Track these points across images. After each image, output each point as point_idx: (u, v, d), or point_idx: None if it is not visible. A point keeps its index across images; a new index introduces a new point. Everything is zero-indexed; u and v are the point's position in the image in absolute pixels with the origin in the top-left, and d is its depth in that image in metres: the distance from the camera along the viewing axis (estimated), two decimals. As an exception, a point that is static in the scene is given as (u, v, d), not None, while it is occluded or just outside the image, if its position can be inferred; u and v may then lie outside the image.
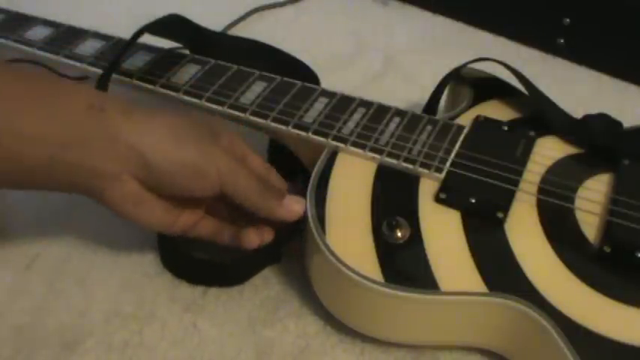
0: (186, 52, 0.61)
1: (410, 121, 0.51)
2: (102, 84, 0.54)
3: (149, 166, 0.41)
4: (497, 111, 0.54)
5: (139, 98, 0.58)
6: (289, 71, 0.58)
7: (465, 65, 0.55)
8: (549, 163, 0.49)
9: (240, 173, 0.44)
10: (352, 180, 0.47)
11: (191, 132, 0.43)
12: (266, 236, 0.47)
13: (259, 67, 0.57)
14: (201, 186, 0.42)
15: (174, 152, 0.41)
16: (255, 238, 0.46)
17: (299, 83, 0.55)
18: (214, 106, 0.53)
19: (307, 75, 0.61)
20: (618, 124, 0.51)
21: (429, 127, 0.51)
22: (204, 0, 0.65)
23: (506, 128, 0.51)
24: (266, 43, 0.63)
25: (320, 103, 0.53)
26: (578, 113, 0.52)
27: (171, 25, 0.59)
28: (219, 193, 0.43)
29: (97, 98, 0.42)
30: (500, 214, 0.45)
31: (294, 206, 0.46)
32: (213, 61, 0.58)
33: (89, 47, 0.61)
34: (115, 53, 0.58)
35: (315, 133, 0.50)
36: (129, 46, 0.56)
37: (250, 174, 0.44)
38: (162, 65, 0.58)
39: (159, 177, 0.41)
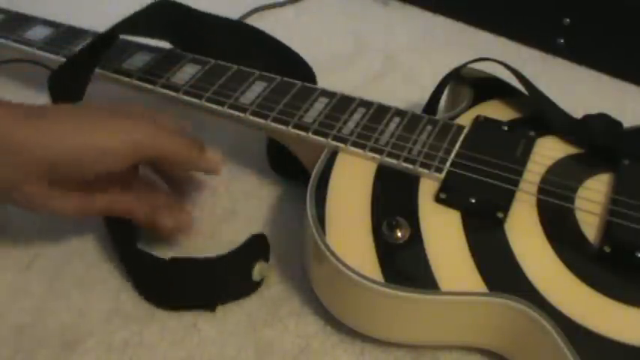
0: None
1: (410, 121, 0.51)
2: (58, 80, 0.54)
3: (55, 165, 0.42)
4: (497, 111, 0.54)
5: (139, 98, 0.58)
6: (283, 60, 0.58)
7: (465, 65, 0.55)
8: (549, 163, 0.49)
9: (160, 134, 0.46)
10: (352, 180, 0.47)
11: (94, 114, 0.44)
12: (183, 218, 0.49)
13: (252, 52, 0.57)
14: (112, 162, 0.43)
15: (76, 140, 0.42)
16: (169, 219, 0.48)
17: (299, 83, 0.55)
18: (214, 106, 0.53)
19: (300, 65, 0.60)
20: (618, 124, 0.51)
21: (429, 127, 0.51)
22: (204, 0, 0.65)
23: (506, 128, 0.51)
24: (260, 29, 0.63)
25: (320, 103, 0.53)
26: (578, 113, 0.52)
27: (156, 16, 0.59)
28: (134, 163, 0.45)
29: None
30: (500, 214, 0.45)
31: (213, 156, 0.49)
32: (213, 61, 0.58)
33: (89, 47, 0.60)
34: (119, 54, 0.58)
35: (315, 133, 0.50)
36: (109, 40, 0.56)
37: (170, 131, 0.47)
38: (162, 65, 0.58)
39: (66, 169, 0.42)
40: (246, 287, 0.48)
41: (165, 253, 0.50)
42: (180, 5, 0.60)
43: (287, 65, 0.58)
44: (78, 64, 0.54)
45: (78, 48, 0.61)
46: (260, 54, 0.60)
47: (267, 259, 0.49)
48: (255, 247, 0.48)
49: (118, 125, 0.44)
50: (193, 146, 0.48)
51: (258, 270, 0.47)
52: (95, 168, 0.43)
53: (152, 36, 0.61)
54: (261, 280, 0.48)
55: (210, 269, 0.47)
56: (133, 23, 0.57)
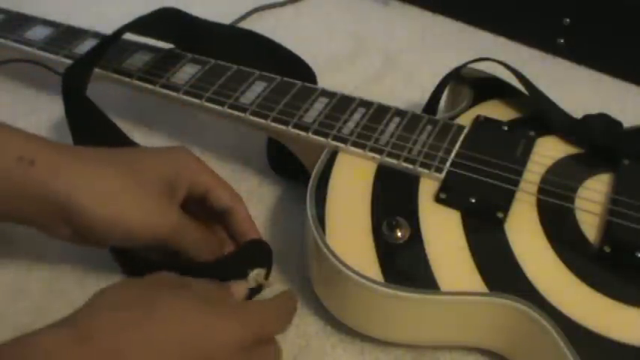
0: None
1: (410, 121, 0.51)
2: (72, 77, 0.53)
3: (76, 225, 0.41)
4: (497, 111, 0.54)
5: (139, 98, 0.58)
6: (284, 64, 0.58)
7: (465, 65, 0.55)
8: (549, 163, 0.49)
9: (184, 233, 0.44)
10: (352, 180, 0.47)
11: (134, 188, 0.42)
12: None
13: (253, 57, 0.57)
14: (134, 242, 0.43)
15: (103, 215, 0.41)
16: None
17: (299, 83, 0.55)
18: (214, 106, 0.53)
19: (302, 67, 0.61)
20: (618, 124, 0.51)
21: (429, 127, 0.51)
22: (204, 0, 0.65)
23: (506, 128, 0.51)
24: (261, 34, 0.63)
25: (320, 103, 0.53)
26: (578, 113, 0.52)
27: (162, 20, 0.59)
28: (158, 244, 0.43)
29: (28, 149, 0.41)
30: (500, 214, 0.45)
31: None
32: (213, 61, 0.58)
33: (89, 47, 0.60)
34: (119, 53, 0.58)
35: (315, 133, 0.50)
36: (112, 41, 0.56)
37: (195, 231, 0.45)
38: (162, 65, 0.58)
39: (87, 233, 0.42)
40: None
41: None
42: (185, 13, 0.60)
43: (289, 69, 0.58)
44: (87, 63, 0.54)
45: (78, 48, 0.61)
46: (262, 59, 0.60)
47: (264, 266, 0.47)
48: (252, 253, 0.47)
49: (147, 214, 0.42)
50: (212, 253, 0.46)
51: (253, 277, 0.46)
52: (115, 241, 0.44)
53: (156, 39, 0.62)
54: (259, 287, 0.46)
55: (204, 273, 0.46)
56: (139, 26, 0.57)
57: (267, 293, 0.48)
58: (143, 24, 0.57)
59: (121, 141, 0.52)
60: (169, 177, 0.44)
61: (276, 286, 0.49)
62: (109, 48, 0.56)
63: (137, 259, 0.48)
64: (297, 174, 0.54)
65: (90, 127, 0.52)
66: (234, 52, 0.60)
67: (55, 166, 0.41)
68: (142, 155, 0.46)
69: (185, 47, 0.60)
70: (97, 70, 0.57)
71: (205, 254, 0.46)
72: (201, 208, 0.48)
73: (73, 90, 0.52)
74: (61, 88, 0.52)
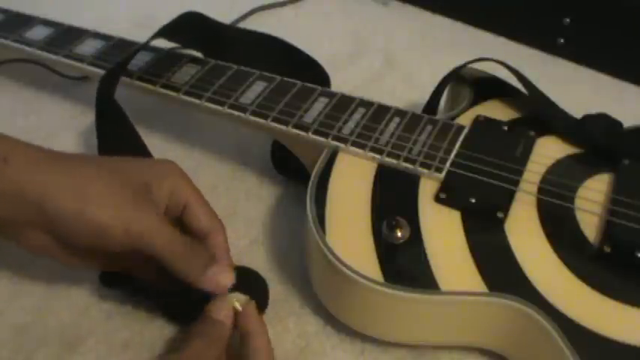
0: (187, 52, 0.61)
1: (410, 121, 0.51)
2: (107, 84, 0.53)
3: (51, 223, 0.40)
4: (497, 111, 0.54)
5: (139, 98, 0.58)
6: (301, 69, 0.58)
7: (465, 65, 0.55)
8: (549, 163, 0.49)
9: (159, 234, 0.41)
10: (352, 180, 0.47)
11: (108, 188, 0.41)
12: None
13: (272, 62, 0.58)
14: (106, 245, 0.40)
15: (77, 210, 0.39)
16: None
17: (299, 83, 0.55)
18: (214, 106, 0.53)
19: (319, 74, 0.61)
20: (618, 124, 0.51)
21: (429, 127, 0.51)
22: (204, 0, 0.65)
23: (506, 128, 0.51)
24: (281, 39, 0.63)
25: (320, 103, 0.53)
26: (578, 113, 0.52)
27: (186, 25, 0.59)
28: (133, 249, 0.41)
29: (2, 148, 0.40)
30: (500, 214, 0.45)
31: (219, 277, 0.42)
32: (213, 61, 0.58)
33: (89, 47, 0.61)
34: (120, 53, 0.58)
35: (315, 133, 0.50)
36: (143, 48, 0.56)
37: (173, 235, 0.41)
38: (162, 65, 0.58)
39: (62, 232, 0.40)
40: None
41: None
42: (207, 17, 0.61)
43: (306, 72, 0.58)
44: (118, 71, 0.55)
45: (78, 48, 0.61)
46: (282, 63, 0.61)
47: (252, 296, 0.43)
48: (242, 279, 0.44)
49: (121, 210, 0.40)
50: (194, 264, 0.42)
51: (230, 299, 0.42)
52: (90, 242, 0.41)
53: (182, 45, 0.63)
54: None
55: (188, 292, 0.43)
56: (166, 33, 0.58)
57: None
58: (170, 30, 0.58)
59: (140, 149, 0.52)
60: (149, 182, 0.43)
61: (276, 287, 0.49)
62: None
63: (127, 281, 0.46)
64: (302, 174, 0.53)
65: (116, 131, 0.53)
66: (256, 57, 0.61)
67: (30, 164, 0.40)
68: (125, 161, 0.45)
69: (209, 52, 0.61)
70: (97, 71, 0.57)
71: (186, 267, 0.41)
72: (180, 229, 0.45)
73: (106, 96, 0.53)
74: (96, 92, 0.53)
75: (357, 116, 0.52)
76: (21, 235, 0.41)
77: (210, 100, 0.54)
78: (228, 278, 0.43)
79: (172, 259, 0.41)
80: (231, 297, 0.42)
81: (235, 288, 0.43)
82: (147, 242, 0.40)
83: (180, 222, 0.45)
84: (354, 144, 0.49)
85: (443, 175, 0.47)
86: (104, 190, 0.40)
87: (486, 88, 0.56)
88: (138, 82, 0.56)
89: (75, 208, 0.39)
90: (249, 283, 0.44)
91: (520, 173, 0.47)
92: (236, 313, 0.42)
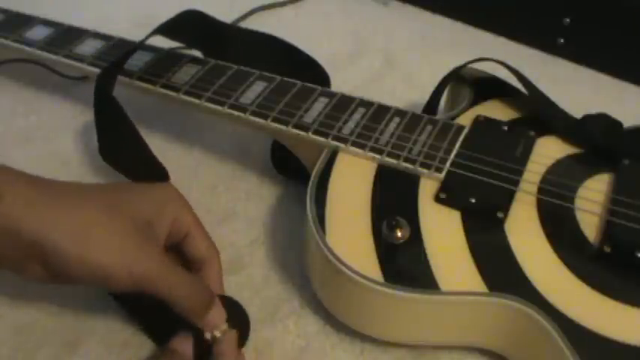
0: (187, 52, 0.61)
1: (410, 121, 0.51)
2: (105, 81, 0.53)
3: (51, 263, 0.39)
4: (497, 111, 0.54)
5: (139, 98, 0.58)
6: (301, 69, 0.58)
7: (465, 65, 0.55)
8: (549, 163, 0.49)
9: (164, 277, 0.40)
10: (352, 180, 0.47)
11: (109, 229, 0.39)
12: None
13: (272, 62, 0.58)
14: (109, 285, 0.40)
15: (78, 255, 0.38)
16: None
17: (299, 83, 0.55)
18: (214, 106, 0.53)
19: (319, 74, 0.61)
20: (618, 124, 0.51)
21: (429, 127, 0.51)
22: (204, 0, 0.65)
23: (506, 128, 0.51)
24: (281, 39, 0.63)
25: (320, 103, 0.53)
26: (578, 113, 0.52)
27: (186, 23, 0.59)
28: (135, 289, 0.40)
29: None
30: (500, 214, 0.45)
31: (215, 318, 0.41)
32: (213, 61, 0.58)
33: (89, 47, 0.61)
34: (121, 53, 0.58)
35: (315, 133, 0.50)
36: (139, 46, 0.56)
37: (177, 277, 0.40)
38: (162, 65, 0.58)
39: (62, 272, 0.39)
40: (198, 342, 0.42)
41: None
42: (207, 15, 0.61)
43: (307, 73, 0.58)
44: (116, 68, 0.55)
45: (78, 48, 0.61)
46: (282, 63, 0.61)
47: (232, 326, 0.42)
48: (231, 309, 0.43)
49: (124, 252, 0.39)
50: (195, 305, 0.41)
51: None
52: (92, 282, 0.40)
53: (181, 43, 0.63)
54: (207, 345, 0.42)
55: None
56: (165, 30, 0.58)
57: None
58: (169, 28, 0.58)
59: (139, 144, 0.52)
60: (150, 214, 0.42)
61: (276, 288, 0.49)
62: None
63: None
64: (302, 174, 0.53)
65: (115, 128, 0.52)
66: (256, 57, 0.61)
67: (27, 201, 0.38)
68: (123, 190, 0.43)
69: (209, 51, 0.61)
70: (97, 71, 0.57)
71: (188, 309, 0.41)
72: (176, 255, 0.45)
73: (104, 93, 0.52)
74: (94, 90, 0.52)
75: (357, 116, 0.52)
76: (21, 269, 0.40)
77: (210, 100, 0.54)
78: (221, 318, 0.42)
79: (175, 300, 0.40)
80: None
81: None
82: (150, 284, 0.39)
83: (177, 247, 0.45)
84: (354, 144, 0.49)
85: (443, 175, 0.47)
86: (105, 232, 0.39)
87: (486, 88, 0.56)
88: (138, 82, 0.56)
89: (76, 253, 0.38)
90: (232, 314, 0.43)
91: (520, 173, 0.47)
92: (214, 341, 0.41)
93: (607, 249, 0.42)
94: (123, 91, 0.55)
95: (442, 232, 0.44)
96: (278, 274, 0.50)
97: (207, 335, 0.41)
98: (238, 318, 0.43)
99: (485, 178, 0.47)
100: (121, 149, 0.53)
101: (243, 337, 0.43)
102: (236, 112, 0.53)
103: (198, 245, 0.44)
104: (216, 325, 0.41)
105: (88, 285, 0.41)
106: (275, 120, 0.52)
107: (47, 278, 0.40)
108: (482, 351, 0.45)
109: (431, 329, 0.44)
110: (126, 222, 0.40)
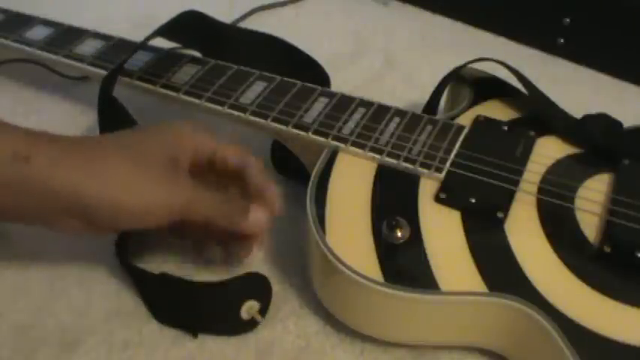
0: (187, 52, 0.61)
1: (410, 121, 0.51)
2: (107, 85, 0.53)
3: (88, 214, 0.40)
4: (497, 111, 0.54)
5: (139, 98, 0.58)
6: (301, 69, 0.58)
7: (465, 65, 0.55)
8: (549, 163, 0.49)
9: (201, 202, 0.44)
10: (352, 180, 0.47)
11: (138, 170, 0.42)
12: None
13: (272, 62, 0.58)
14: (148, 224, 0.42)
15: (115, 202, 0.40)
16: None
17: (299, 83, 0.55)
18: (214, 106, 0.53)
19: (319, 74, 0.61)
20: (618, 124, 0.51)
21: (429, 127, 0.51)
22: (204, 0, 0.65)
23: (506, 128, 0.51)
24: (281, 39, 0.63)
25: (320, 103, 0.53)
26: (578, 113, 0.52)
27: (186, 24, 0.59)
28: (174, 220, 0.43)
29: (24, 145, 0.39)
30: (500, 214, 0.45)
31: (258, 218, 0.46)
32: (213, 61, 0.58)
33: (89, 47, 0.61)
34: (120, 53, 0.58)
35: (315, 133, 0.50)
36: (141, 47, 0.56)
37: (212, 198, 0.44)
38: (162, 65, 0.58)
39: (100, 221, 0.41)
40: (233, 323, 0.46)
41: (165, 256, 0.51)
42: (206, 16, 0.61)
43: (306, 73, 0.58)
44: (118, 70, 0.55)
45: (78, 48, 0.61)
46: (282, 63, 0.61)
47: (261, 301, 0.46)
48: (249, 285, 0.47)
49: (158, 192, 0.42)
50: (234, 214, 0.45)
51: (246, 309, 0.46)
52: (133, 225, 0.42)
53: (181, 44, 0.63)
54: (252, 320, 0.46)
55: (196, 294, 0.46)
56: (165, 32, 0.58)
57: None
58: (169, 29, 0.58)
59: None
60: (171, 150, 0.44)
61: (276, 288, 0.49)
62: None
63: (135, 268, 0.48)
64: (302, 174, 0.53)
65: (119, 129, 0.52)
66: (256, 57, 0.61)
67: (54, 161, 0.40)
68: (142, 136, 0.45)
69: (209, 52, 0.61)
70: (97, 71, 0.57)
71: (230, 221, 0.45)
72: (213, 175, 0.47)
73: (107, 94, 0.53)
74: (98, 92, 0.53)
75: (357, 116, 0.52)
76: (56, 223, 0.41)
77: (210, 100, 0.54)
78: (264, 215, 0.47)
79: (217, 218, 0.44)
80: (245, 308, 0.46)
81: (248, 292, 0.46)
82: (192, 212, 0.43)
83: (211, 167, 0.47)
84: (354, 144, 0.49)
85: (443, 175, 0.47)
86: (134, 176, 0.42)
87: (486, 88, 0.56)
88: (138, 82, 0.56)
89: (112, 201, 0.40)
90: (260, 285, 0.47)
91: (520, 173, 0.47)
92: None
93: (607, 249, 0.42)
94: (123, 91, 0.55)
95: (442, 232, 0.44)
96: (278, 274, 0.50)
97: (245, 316, 0.46)
98: (263, 291, 0.47)
99: (485, 178, 0.47)
100: None
101: (265, 307, 0.47)
102: (236, 112, 0.53)
103: (228, 157, 0.47)
104: (261, 222, 0.47)
105: (128, 228, 0.43)
106: (275, 120, 0.52)
107: (82, 229, 0.42)
108: (482, 351, 0.45)
109: (431, 329, 0.44)
110: (150, 164, 0.43)
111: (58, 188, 0.39)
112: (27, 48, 0.62)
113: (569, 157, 0.50)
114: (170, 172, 0.43)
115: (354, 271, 0.41)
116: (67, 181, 0.40)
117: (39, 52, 0.61)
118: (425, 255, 0.43)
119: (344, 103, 0.53)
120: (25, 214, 0.41)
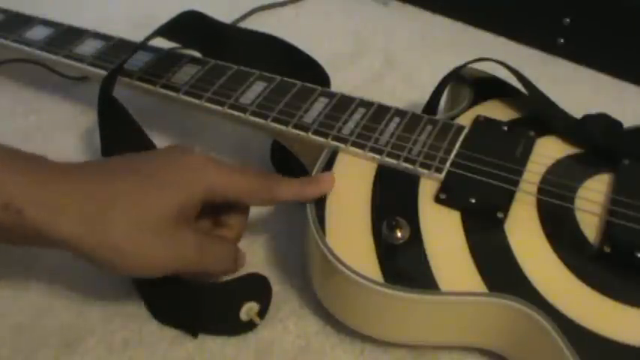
0: (187, 52, 0.61)
1: (410, 121, 0.51)
2: (107, 85, 0.53)
3: (85, 258, 0.40)
4: (497, 111, 0.54)
5: (139, 98, 0.58)
6: (301, 69, 0.58)
7: (465, 65, 0.55)
8: (549, 163, 0.49)
9: (195, 263, 0.43)
10: (352, 180, 0.47)
11: (142, 227, 0.40)
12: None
13: (272, 62, 0.58)
14: (147, 277, 0.43)
15: (114, 260, 0.40)
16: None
17: (299, 83, 0.55)
18: (214, 107, 0.53)
19: (319, 74, 0.61)
20: (618, 124, 0.51)
21: (429, 127, 0.51)
22: (204, 0, 0.65)
23: (506, 128, 0.51)
24: (281, 39, 0.63)
25: (320, 103, 0.53)
26: (578, 113, 0.52)
27: (186, 24, 0.59)
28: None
29: (16, 196, 0.38)
30: (500, 214, 0.45)
31: (290, 187, 0.46)
32: (213, 61, 0.58)
33: (89, 47, 0.61)
34: (120, 54, 0.58)
35: (315, 133, 0.50)
36: (141, 47, 0.56)
37: (209, 257, 0.44)
38: (162, 65, 0.58)
39: (99, 267, 0.41)
40: (232, 324, 0.46)
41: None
42: (206, 16, 0.61)
43: (307, 73, 0.58)
44: (118, 71, 0.55)
45: (78, 48, 0.61)
46: (282, 63, 0.61)
47: (260, 303, 0.46)
48: (249, 287, 0.47)
49: (157, 249, 0.41)
50: (263, 185, 0.45)
51: (246, 310, 0.46)
52: (126, 275, 0.44)
53: (181, 44, 0.63)
54: (250, 322, 0.46)
55: (196, 294, 0.46)
56: (165, 32, 0.58)
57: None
58: (169, 29, 0.58)
59: (143, 142, 0.52)
60: (180, 202, 0.41)
61: (276, 288, 0.49)
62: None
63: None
64: (300, 174, 0.53)
65: (119, 129, 0.53)
66: (256, 57, 0.61)
67: (52, 213, 0.38)
68: (147, 182, 0.42)
69: (209, 52, 0.61)
70: (97, 71, 0.57)
71: (227, 266, 0.46)
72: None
73: (107, 95, 0.53)
74: (98, 93, 0.52)
75: (357, 116, 0.52)
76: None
77: (210, 100, 0.54)
78: (243, 261, 0.48)
79: (210, 272, 0.46)
80: (245, 310, 0.46)
81: (248, 293, 0.47)
82: (185, 270, 0.43)
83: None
84: (354, 144, 0.49)
85: (443, 175, 0.47)
86: (138, 239, 0.40)
87: (486, 88, 0.56)
88: (138, 82, 0.56)
89: (112, 262, 0.40)
90: (260, 287, 0.48)
91: (520, 173, 0.47)
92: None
93: (607, 249, 0.42)
94: (123, 91, 0.55)
95: (442, 233, 0.44)
96: (277, 275, 0.50)
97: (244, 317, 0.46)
98: (263, 293, 0.47)
99: (485, 179, 0.47)
100: (127, 151, 0.53)
101: (264, 309, 0.47)
102: (236, 112, 0.53)
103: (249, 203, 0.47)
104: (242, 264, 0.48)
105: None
106: (275, 120, 0.52)
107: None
108: (482, 351, 0.45)
109: (431, 329, 0.44)
110: (155, 220, 0.41)
111: (55, 238, 0.39)
112: (27, 48, 0.62)
113: (569, 157, 0.50)
114: (175, 226, 0.41)
115: (354, 272, 0.41)
116: (66, 235, 0.39)
117: (39, 52, 0.61)
118: (425, 255, 0.43)
119: (344, 103, 0.53)
120: (18, 244, 0.41)
